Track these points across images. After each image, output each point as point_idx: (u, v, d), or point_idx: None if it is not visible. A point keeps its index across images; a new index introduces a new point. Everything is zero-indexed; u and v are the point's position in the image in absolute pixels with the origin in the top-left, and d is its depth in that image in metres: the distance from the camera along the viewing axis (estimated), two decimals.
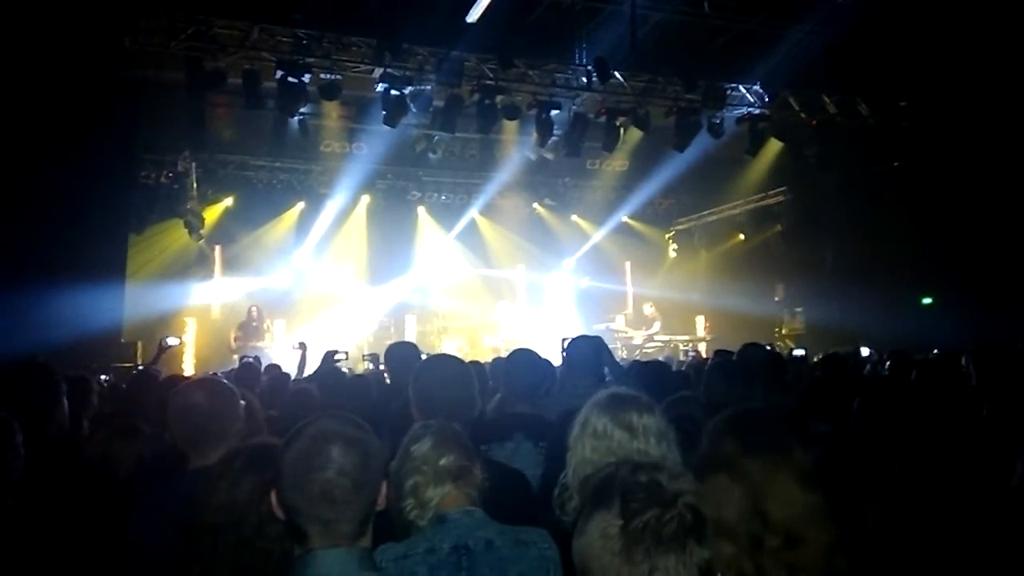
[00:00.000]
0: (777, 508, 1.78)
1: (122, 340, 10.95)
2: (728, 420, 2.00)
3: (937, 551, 2.55)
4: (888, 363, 6.12)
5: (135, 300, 11.71)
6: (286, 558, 1.77)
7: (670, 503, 1.39)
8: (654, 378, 4.30)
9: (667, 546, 1.35)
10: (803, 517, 1.79)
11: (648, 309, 14.38)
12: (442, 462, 2.16)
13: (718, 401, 3.67)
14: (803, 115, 12.62)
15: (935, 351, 6.95)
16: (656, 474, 1.44)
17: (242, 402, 2.67)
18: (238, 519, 1.86)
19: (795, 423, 2.07)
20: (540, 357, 4.03)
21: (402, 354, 4.65)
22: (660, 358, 10.95)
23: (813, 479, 1.87)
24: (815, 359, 7.56)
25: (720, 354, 5.67)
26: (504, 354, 11.60)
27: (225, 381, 2.78)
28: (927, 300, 11.66)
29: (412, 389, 2.96)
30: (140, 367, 8.82)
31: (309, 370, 6.80)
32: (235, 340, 12.36)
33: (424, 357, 4.19)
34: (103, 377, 6.87)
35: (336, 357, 6.29)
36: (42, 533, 2.30)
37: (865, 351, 7.04)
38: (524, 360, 3.90)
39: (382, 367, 6.72)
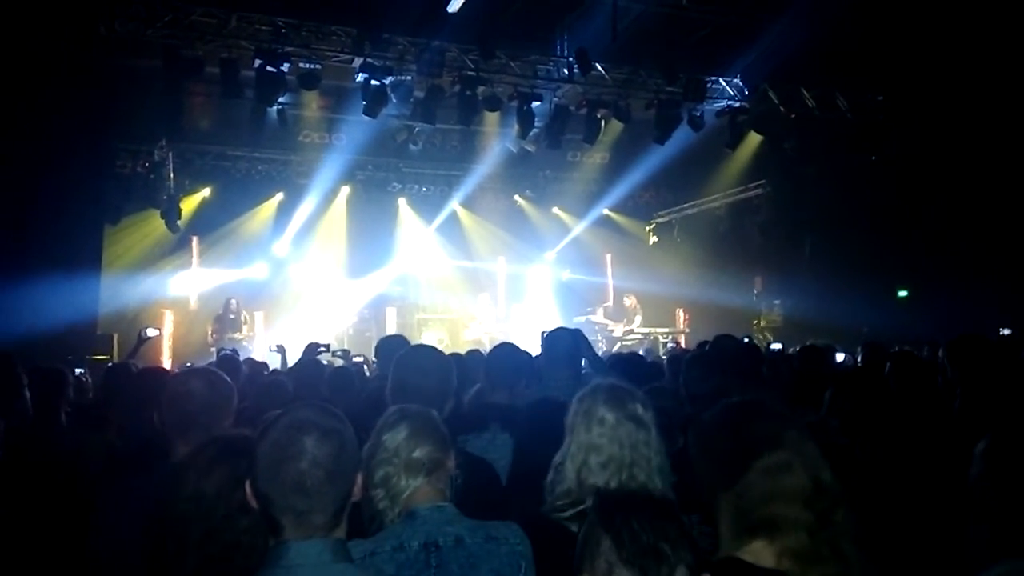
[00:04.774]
0: (830, 476, 1.70)
1: (98, 332, 10.82)
2: (748, 406, 1.92)
3: (904, 533, 2.60)
4: (861, 355, 6.19)
5: (111, 292, 11.58)
6: (255, 550, 1.76)
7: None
8: (630, 369, 4.32)
9: None
10: (838, 484, 1.73)
11: (629, 301, 14.43)
12: (415, 454, 2.14)
13: (696, 393, 3.69)
14: (782, 109, 12.70)
15: (906, 345, 7.01)
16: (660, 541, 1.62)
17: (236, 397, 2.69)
18: (206, 510, 1.85)
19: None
20: (520, 350, 4.06)
21: (392, 347, 4.63)
22: (640, 350, 11.03)
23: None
24: (791, 351, 7.61)
25: (702, 346, 5.70)
26: (486, 346, 11.64)
27: (222, 374, 2.78)
28: (903, 292, 11.81)
29: (392, 374, 2.97)
30: (117, 360, 8.73)
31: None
32: (212, 333, 12.27)
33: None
34: (78, 370, 6.78)
35: (319, 350, 6.28)
36: (14, 526, 2.28)
37: (840, 356, 7.04)
38: (504, 353, 3.95)
39: (355, 360, 6.72)
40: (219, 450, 1.94)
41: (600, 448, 2.26)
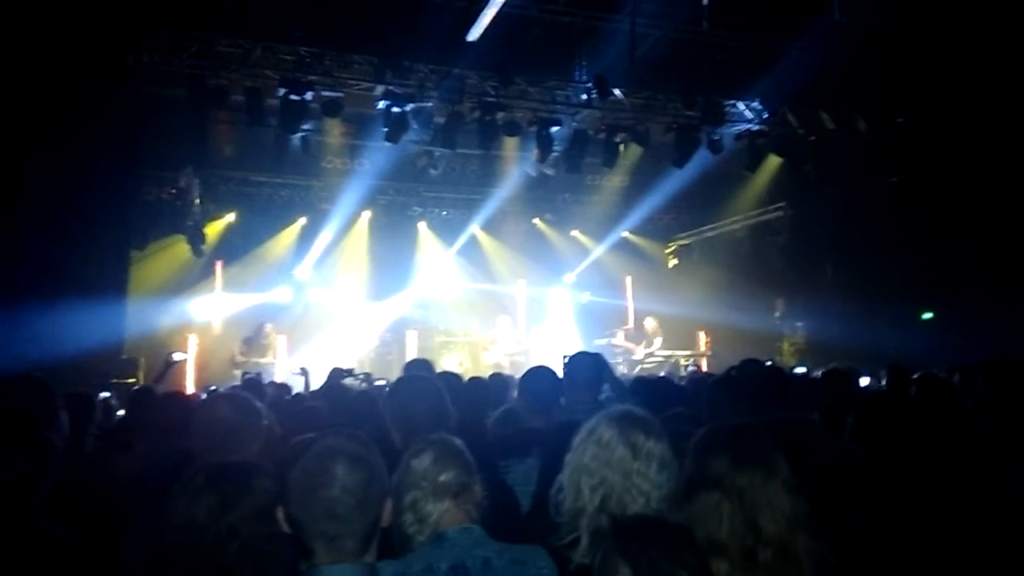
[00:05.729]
0: (769, 520, 1.83)
1: (124, 356, 10.95)
2: (713, 437, 2.03)
3: (931, 556, 2.58)
4: (885, 378, 6.13)
5: (137, 316, 11.72)
6: (245, 574, 1.79)
7: None
8: (651, 394, 4.32)
9: None
10: (793, 526, 1.83)
11: (650, 323, 14.36)
12: (442, 478, 2.18)
13: (720, 418, 3.67)
14: (802, 131, 12.68)
15: (934, 368, 6.92)
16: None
17: (264, 421, 2.73)
18: (196, 537, 1.87)
19: (778, 434, 2.09)
20: (556, 374, 4.09)
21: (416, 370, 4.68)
22: (662, 373, 10.97)
23: (797, 487, 1.93)
24: (816, 374, 7.54)
25: (729, 372, 5.66)
26: (506, 369, 11.58)
27: (250, 398, 2.83)
28: (927, 315, 11.67)
29: (388, 405, 3.00)
30: (144, 384, 8.83)
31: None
32: (239, 353, 12.38)
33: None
34: (104, 394, 6.85)
35: (344, 374, 6.32)
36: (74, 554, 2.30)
37: (864, 380, 6.95)
38: (540, 376, 3.97)
39: (377, 383, 6.76)
40: (206, 477, 1.97)
41: (591, 471, 2.21)
